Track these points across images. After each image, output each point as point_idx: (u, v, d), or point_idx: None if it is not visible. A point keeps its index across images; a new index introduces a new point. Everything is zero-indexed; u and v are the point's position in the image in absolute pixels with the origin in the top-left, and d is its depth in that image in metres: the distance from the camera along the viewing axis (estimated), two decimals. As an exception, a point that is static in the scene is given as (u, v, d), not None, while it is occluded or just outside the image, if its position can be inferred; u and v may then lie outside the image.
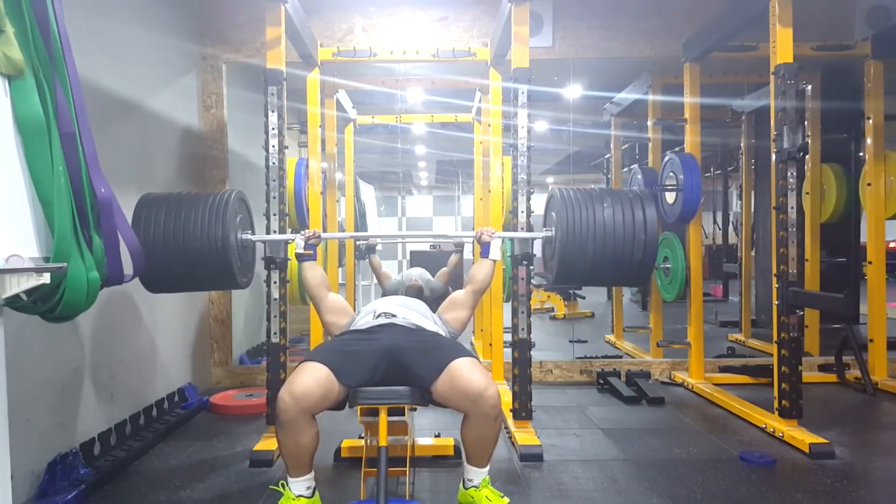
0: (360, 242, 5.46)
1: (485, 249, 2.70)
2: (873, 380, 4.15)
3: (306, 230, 2.73)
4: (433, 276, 4.89)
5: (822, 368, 4.53)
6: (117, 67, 3.20)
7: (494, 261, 2.69)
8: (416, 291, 4.24)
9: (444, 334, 2.50)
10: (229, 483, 2.68)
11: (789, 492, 2.56)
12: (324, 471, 2.76)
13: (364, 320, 2.50)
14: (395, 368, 2.22)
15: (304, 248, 2.67)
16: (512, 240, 3.18)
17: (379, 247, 5.37)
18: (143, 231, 2.61)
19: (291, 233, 2.95)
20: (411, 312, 2.52)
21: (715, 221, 8.03)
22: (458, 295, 2.68)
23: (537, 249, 3.22)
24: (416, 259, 8.32)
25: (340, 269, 5.85)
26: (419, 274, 4.81)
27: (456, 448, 2.88)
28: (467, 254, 5.12)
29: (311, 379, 2.11)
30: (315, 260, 2.69)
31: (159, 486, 2.64)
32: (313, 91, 3.99)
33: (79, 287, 1.62)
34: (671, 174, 4.41)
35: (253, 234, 3.00)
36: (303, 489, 2.21)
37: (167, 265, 2.64)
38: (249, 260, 3.00)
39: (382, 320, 2.44)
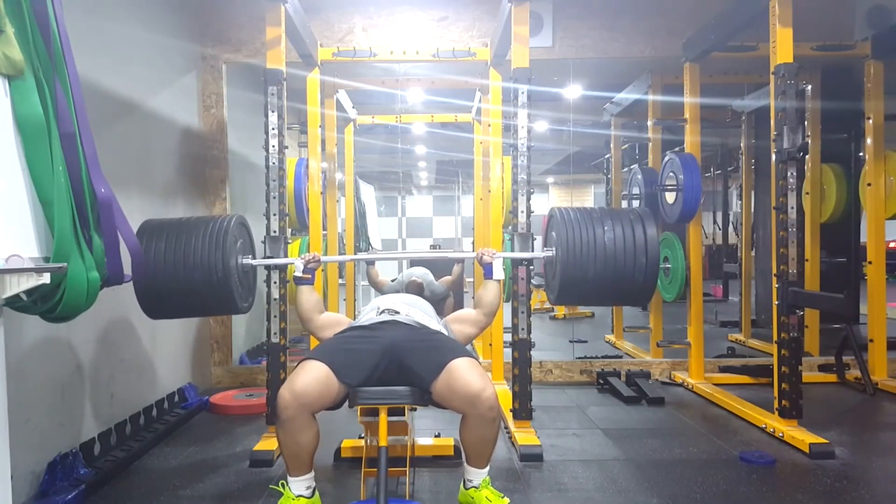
0: (360, 256, 5.43)
1: (487, 270, 2.69)
2: (873, 380, 4.15)
3: (306, 254, 2.72)
4: (435, 279, 4.90)
5: (822, 368, 4.53)
6: (117, 67, 3.20)
7: (498, 281, 2.69)
8: (416, 289, 4.24)
9: (445, 333, 2.50)
10: (229, 483, 2.68)
11: (789, 492, 2.56)
12: (324, 471, 2.76)
13: (367, 316, 2.51)
14: (395, 367, 2.22)
15: (303, 272, 2.64)
16: (511, 240, 3.18)
17: (378, 264, 5.37)
18: (144, 259, 2.60)
19: (291, 233, 2.95)
20: (415, 310, 2.53)
21: (715, 221, 8.01)
22: (470, 312, 2.69)
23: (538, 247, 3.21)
24: (417, 259, 8.31)
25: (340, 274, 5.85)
26: (421, 273, 4.82)
27: (456, 448, 2.88)
28: (464, 260, 5.11)
29: (311, 378, 2.11)
30: (313, 284, 2.67)
31: (159, 486, 2.64)
32: (313, 91, 3.99)
33: (79, 287, 1.62)
34: (671, 174, 4.41)
35: (254, 257, 2.98)
36: (303, 489, 2.21)
37: (168, 293, 2.64)
38: (250, 284, 2.98)
39: (385, 317, 2.45)
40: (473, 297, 2.96)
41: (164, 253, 2.61)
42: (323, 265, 2.89)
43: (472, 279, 5.72)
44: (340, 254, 5.79)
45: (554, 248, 2.91)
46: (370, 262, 5.06)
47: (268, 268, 3.03)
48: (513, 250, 3.13)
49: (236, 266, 2.75)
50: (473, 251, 5.92)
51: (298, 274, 2.64)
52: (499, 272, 2.68)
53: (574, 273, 2.77)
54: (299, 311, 2.63)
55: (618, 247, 2.74)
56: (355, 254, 5.61)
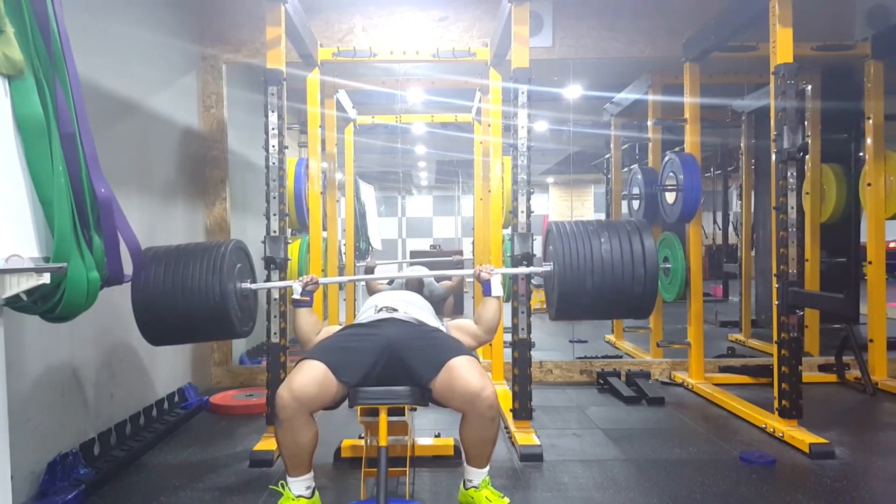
0: (359, 277, 5.43)
1: (486, 287, 2.64)
2: (873, 380, 4.15)
3: (304, 276, 2.67)
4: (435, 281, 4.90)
5: (822, 368, 4.53)
6: (117, 67, 3.20)
7: (498, 297, 2.64)
8: (416, 284, 4.23)
9: (444, 330, 2.50)
10: (229, 483, 2.68)
11: (789, 492, 2.56)
12: (324, 471, 2.76)
13: (366, 314, 2.51)
14: (394, 364, 2.22)
15: (302, 295, 2.60)
16: (512, 239, 3.18)
17: (377, 269, 5.38)
18: (143, 287, 2.61)
19: (291, 233, 2.94)
20: (413, 307, 2.53)
21: (715, 221, 8.02)
22: (471, 324, 2.64)
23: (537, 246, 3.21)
24: (417, 258, 8.32)
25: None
26: (423, 272, 4.82)
27: (456, 448, 2.88)
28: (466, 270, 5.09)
29: (308, 377, 2.11)
30: (311, 307, 2.64)
31: (159, 486, 2.64)
32: (313, 91, 3.99)
33: (79, 287, 1.62)
34: (671, 174, 4.41)
35: (254, 280, 2.95)
36: (302, 489, 2.21)
37: (168, 321, 2.64)
38: (251, 308, 2.95)
39: (384, 314, 2.45)
40: (473, 312, 2.93)
41: (163, 280, 2.61)
42: (323, 286, 2.85)
43: (472, 279, 5.72)
44: (341, 256, 5.80)
45: (552, 263, 2.86)
46: (369, 273, 5.06)
47: (267, 263, 3.03)
48: (512, 250, 3.13)
49: (234, 291, 2.74)
50: (473, 251, 5.96)
51: (297, 297, 2.59)
52: (497, 289, 2.62)
53: (572, 287, 2.71)
54: (298, 334, 2.60)
55: (615, 259, 2.69)
56: (354, 272, 5.63)
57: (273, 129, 3.04)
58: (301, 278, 2.65)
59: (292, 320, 2.67)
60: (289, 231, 3.63)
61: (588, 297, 2.72)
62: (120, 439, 2.99)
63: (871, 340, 4.30)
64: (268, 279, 3.05)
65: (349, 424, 3.24)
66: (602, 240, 2.73)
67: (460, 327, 2.64)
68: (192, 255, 2.68)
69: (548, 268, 2.87)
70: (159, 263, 2.65)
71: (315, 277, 2.67)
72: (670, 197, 4.48)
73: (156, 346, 2.88)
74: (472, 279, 5.65)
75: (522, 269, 3.01)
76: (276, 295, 3.06)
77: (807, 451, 2.94)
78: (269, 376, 3.05)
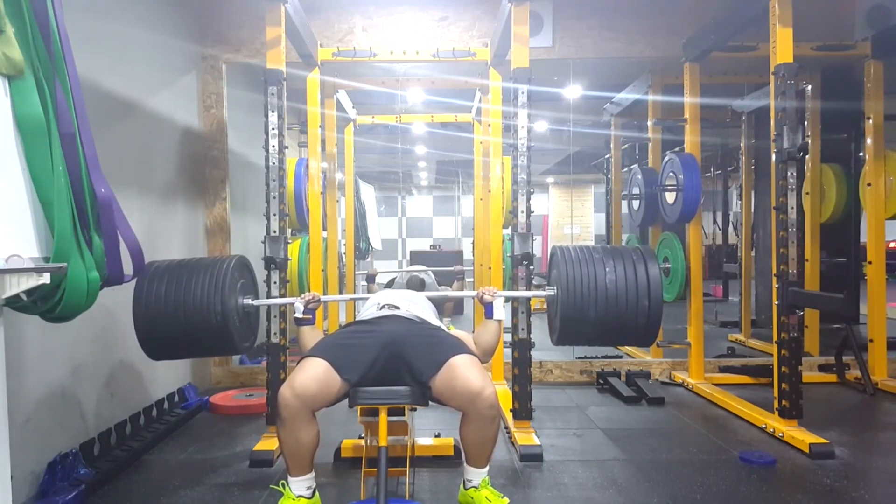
0: (360, 296, 5.46)
1: (488, 310, 2.59)
2: (873, 380, 4.15)
3: (306, 294, 2.63)
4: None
5: (822, 368, 4.53)
6: (117, 67, 3.20)
7: (499, 321, 2.60)
8: (418, 282, 4.22)
9: (445, 330, 2.50)
10: (229, 483, 2.68)
11: (789, 492, 2.56)
12: (324, 471, 2.76)
13: (368, 312, 2.51)
14: (395, 361, 2.22)
15: (304, 313, 2.56)
16: (512, 239, 3.18)
17: (379, 278, 5.38)
18: (145, 304, 2.62)
19: (291, 233, 2.94)
20: (415, 305, 2.54)
21: (715, 221, 8.02)
22: (471, 342, 2.58)
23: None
24: (417, 258, 8.34)
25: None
26: (426, 274, 4.83)
27: (456, 448, 2.88)
28: (465, 290, 5.11)
29: (310, 375, 2.12)
30: (314, 324, 2.61)
31: (159, 486, 2.64)
32: (313, 91, 3.99)
33: (79, 287, 1.62)
34: (671, 174, 4.41)
35: (256, 296, 2.93)
36: (303, 489, 2.21)
37: (169, 337, 2.66)
38: (252, 324, 2.94)
39: (386, 311, 2.45)
40: (473, 313, 2.90)
41: (165, 298, 2.62)
42: (324, 304, 2.83)
43: (472, 280, 5.72)
44: (341, 255, 5.80)
45: (556, 288, 2.83)
46: (371, 281, 5.06)
47: (267, 263, 3.03)
48: (512, 250, 3.13)
49: (236, 308, 2.74)
50: (473, 251, 5.96)
51: (299, 315, 2.56)
52: (500, 313, 2.57)
53: (574, 314, 2.69)
54: (302, 351, 2.57)
55: (619, 288, 2.65)
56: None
57: (273, 129, 3.04)
58: (303, 296, 2.61)
59: (296, 336, 2.65)
60: (289, 231, 3.63)
61: (590, 325, 2.69)
62: (120, 439, 2.99)
63: (871, 340, 4.30)
64: (268, 279, 3.05)
65: (349, 424, 3.24)
66: (607, 268, 2.69)
67: (462, 339, 2.61)
68: (193, 272, 2.69)
69: (551, 292, 2.84)
70: (161, 280, 2.65)
71: (317, 295, 2.62)
72: (670, 197, 4.48)
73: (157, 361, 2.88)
74: (472, 281, 5.68)
75: (526, 293, 3.00)
76: (276, 295, 3.05)
77: (807, 451, 2.94)
78: (269, 376, 3.05)
